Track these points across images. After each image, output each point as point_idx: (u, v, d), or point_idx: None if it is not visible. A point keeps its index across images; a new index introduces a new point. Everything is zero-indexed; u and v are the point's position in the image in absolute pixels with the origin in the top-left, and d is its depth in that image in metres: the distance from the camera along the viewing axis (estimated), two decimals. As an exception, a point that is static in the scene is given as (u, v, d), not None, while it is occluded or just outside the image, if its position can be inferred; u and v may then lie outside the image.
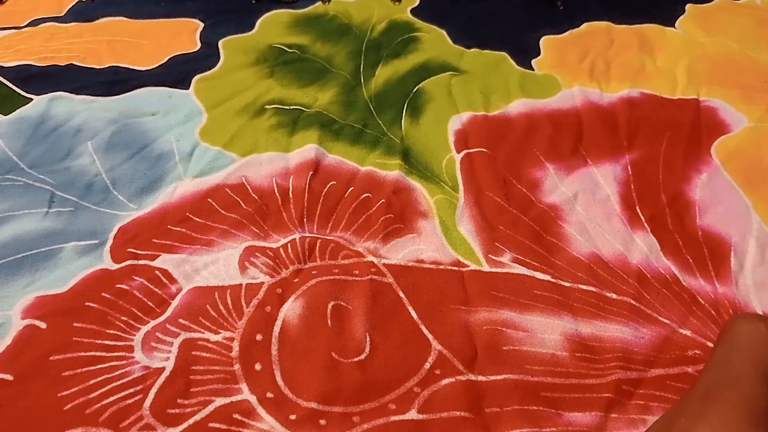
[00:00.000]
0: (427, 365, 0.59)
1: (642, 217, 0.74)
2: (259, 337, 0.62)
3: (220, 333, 0.62)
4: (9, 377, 0.59)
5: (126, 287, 0.66)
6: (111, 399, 0.57)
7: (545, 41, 1.05)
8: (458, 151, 0.83)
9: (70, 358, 0.60)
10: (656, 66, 0.99)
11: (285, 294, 0.66)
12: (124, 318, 0.64)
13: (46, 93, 0.94)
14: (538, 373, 0.59)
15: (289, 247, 0.70)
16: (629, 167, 0.80)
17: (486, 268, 0.68)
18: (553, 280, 0.67)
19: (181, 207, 0.76)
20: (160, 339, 0.62)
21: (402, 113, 0.90)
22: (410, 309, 0.64)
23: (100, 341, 0.62)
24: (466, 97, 0.92)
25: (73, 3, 1.18)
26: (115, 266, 0.69)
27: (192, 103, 0.92)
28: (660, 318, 0.64)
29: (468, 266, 0.69)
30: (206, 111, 0.91)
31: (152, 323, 0.63)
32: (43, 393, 0.57)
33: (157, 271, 0.68)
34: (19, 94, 0.94)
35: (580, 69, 0.98)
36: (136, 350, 0.61)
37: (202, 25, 1.11)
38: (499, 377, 0.59)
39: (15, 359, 0.60)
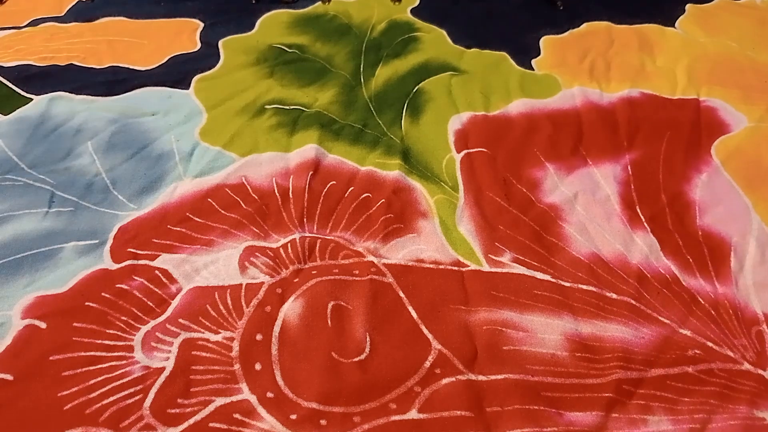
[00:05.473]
0: (427, 364, 0.59)
1: (642, 217, 0.74)
2: (259, 336, 0.62)
3: (220, 333, 0.62)
4: (9, 377, 0.59)
5: (126, 287, 0.66)
6: (111, 399, 0.57)
7: (545, 41, 1.05)
8: (458, 151, 0.83)
9: (70, 358, 0.60)
10: (656, 66, 0.99)
11: (285, 294, 0.65)
12: (124, 318, 0.64)
13: (46, 93, 0.94)
14: (538, 372, 0.59)
15: (289, 247, 0.70)
16: (629, 167, 0.80)
17: (486, 268, 0.68)
18: (553, 280, 0.67)
19: (181, 207, 0.76)
20: (160, 339, 0.62)
21: (402, 113, 0.90)
22: (410, 309, 0.64)
23: (100, 341, 0.61)
24: (466, 97, 0.92)
25: (73, 3, 1.18)
26: (115, 266, 0.69)
27: (192, 103, 0.92)
28: (660, 318, 0.64)
29: (468, 266, 0.69)
30: (206, 111, 0.91)
31: (152, 323, 0.63)
32: (43, 393, 0.57)
33: (157, 271, 0.68)
34: (19, 94, 0.94)
35: (580, 69, 0.98)
36: (136, 350, 0.61)
37: (202, 25, 1.11)
38: (499, 377, 0.59)
39: (15, 359, 0.60)
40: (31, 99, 0.93)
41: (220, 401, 0.57)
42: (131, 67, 1.00)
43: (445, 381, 0.58)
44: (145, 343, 0.61)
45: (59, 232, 0.73)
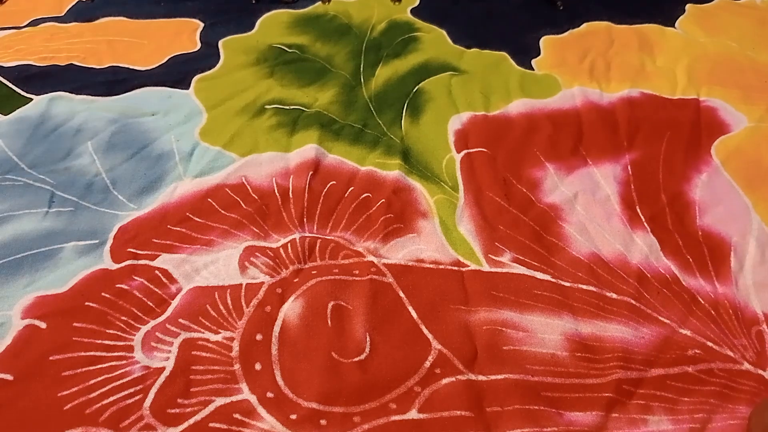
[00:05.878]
0: (427, 364, 0.59)
1: (642, 217, 0.74)
2: (259, 336, 0.62)
3: (220, 333, 0.62)
4: (9, 377, 0.59)
5: (126, 287, 0.66)
6: (111, 399, 0.57)
7: (545, 41, 1.05)
8: (458, 151, 0.83)
9: (70, 358, 0.60)
10: (656, 66, 0.99)
11: (285, 294, 0.66)
12: (124, 318, 0.64)
13: (46, 93, 0.94)
14: (538, 372, 0.59)
15: (289, 247, 0.70)
16: (629, 167, 0.80)
17: (486, 268, 0.68)
18: (553, 280, 0.67)
19: (181, 207, 0.76)
20: (160, 339, 0.62)
21: (402, 113, 0.90)
22: (410, 309, 0.64)
23: (100, 341, 0.61)
24: (466, 97, 0.92)
25: (73, 3, 1.18)
26: (115, 266, 0.69)
27: (192, 103, 0.92)
28: (660, 318, 0.64)
29: (468, 266, 0.69)
30: (206, 111, 0.91)
31: (152, 323, 0.63)
32: (43, 393, 0.57)
33: (157, 271, 0.68)
34: (19, 94, 0.94)
35: (580, 69, 0.98)
36: (136, 350, 0.61)
37: (202, 25, 1.11)
38: (499, 377, 0.59)
39: (15, 359, 0.60)
40: (31, 99, 0.93)
41: (220, 401, 0.57)
42: (131, 67, 1.00)
43: (445, 381, 0.58)
44: (145, 343, 0.61)
45: (59, 232, 0.73)
